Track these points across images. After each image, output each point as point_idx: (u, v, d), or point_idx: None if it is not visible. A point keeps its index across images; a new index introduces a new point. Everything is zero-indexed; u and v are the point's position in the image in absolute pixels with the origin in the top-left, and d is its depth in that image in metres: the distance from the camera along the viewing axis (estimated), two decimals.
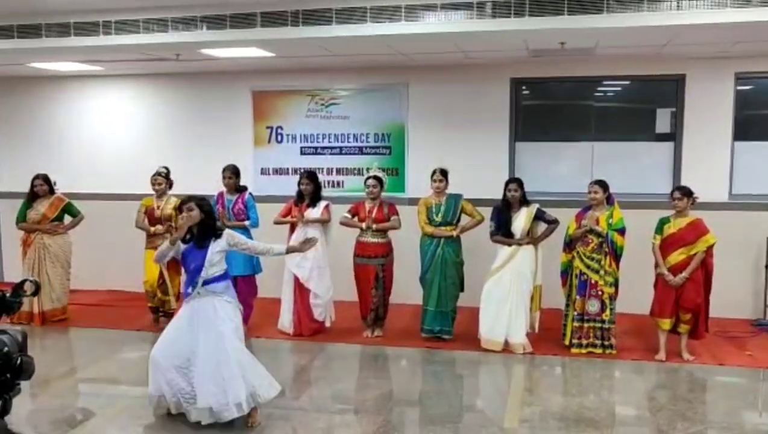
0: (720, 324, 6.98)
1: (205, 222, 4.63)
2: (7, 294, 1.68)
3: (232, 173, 7.04)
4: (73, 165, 8.94)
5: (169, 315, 7.27)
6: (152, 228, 7.21)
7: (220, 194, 7.11)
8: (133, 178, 8.44)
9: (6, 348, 1.44)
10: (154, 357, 4.69)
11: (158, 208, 7.27)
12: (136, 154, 8.85)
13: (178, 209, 5.05)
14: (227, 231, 4.81)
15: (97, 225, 8.28)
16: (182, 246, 4.68)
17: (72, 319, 7.65)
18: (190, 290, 4.70)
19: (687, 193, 6.09)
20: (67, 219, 7.67)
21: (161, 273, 7.26)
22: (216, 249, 4.66)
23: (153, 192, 7.33)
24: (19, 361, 1.46)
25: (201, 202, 4.68)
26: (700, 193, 6.21)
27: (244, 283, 7.03)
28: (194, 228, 4.65)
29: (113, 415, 5.14)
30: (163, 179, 7.25)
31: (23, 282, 1.74)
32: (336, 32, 5.92)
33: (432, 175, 6.67)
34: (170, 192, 7.33)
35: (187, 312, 4.70)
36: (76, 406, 5.48)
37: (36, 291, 1.74)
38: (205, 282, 4.65)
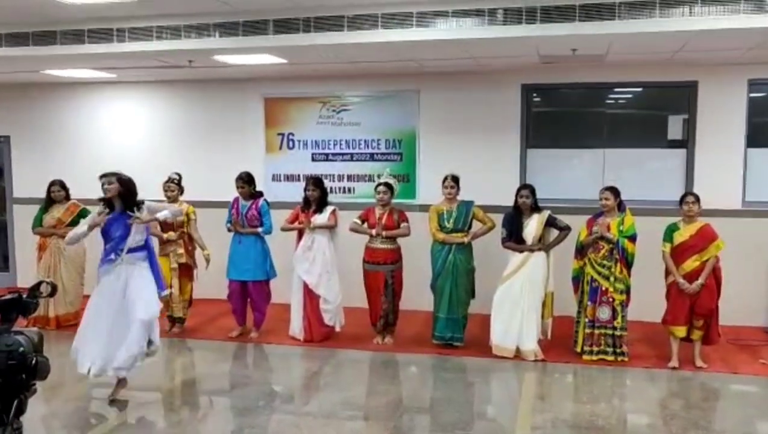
0: (733, 331, 6.92)
1: (124, 194, 5.18)
2: (24, 296, 1.70)
3: (244, 182, 7.07)
4: (88, 171, 8.91)
5: (177, 320, 7.31)
6: (165, 235, 7.14)
7: (235, 199, 7.15)
8: (146, 183, 8.35)
9: (22, 348, 1.46)
10: (84, 332, 5.25)
11: None
12: (148, 160, 8.89)
13: (102, 178, 5.32)
14: (146, 203, 5.33)
15: None
16: (105, 219, 5.22)
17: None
18: (113, 256, 5.19)
19: (698, 198, 6.07)
20: None
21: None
22: (143, 214, 5.24)
23: (165, 198, 7.36)
24: (34, 361, 1.48)
25: (119, 175, 5.24)
26: (712, 200, 6.19)
27: (256, 289, 7.07)
28: (115, 201, 5.21)
29: (125, 420, 5.16)
30: (175, 186, 7.22)
31: (39, 283, 1.76)
32: (348, 39, 5.94)
33: (443, 182, 6.67)
34: (182, 198, 7.33)
35: (110, 280, 5.19)
36: (90, 411, 5.50)
37: (52, 293, 1.76)
38: (129, 250, 5.20)
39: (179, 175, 7.35)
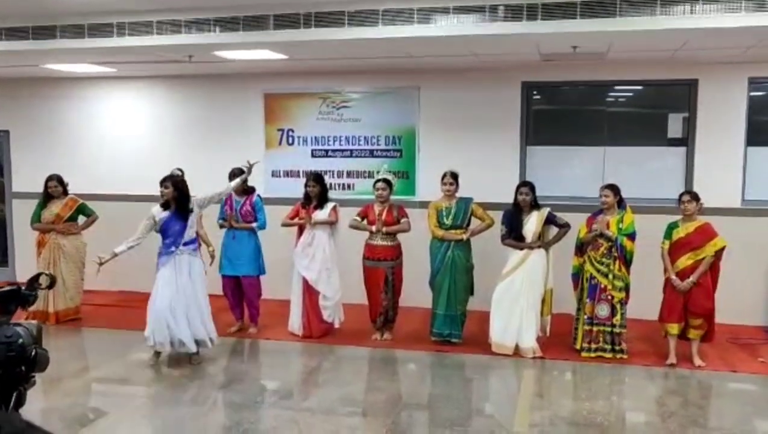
0: (732, 330, 6.93)
1: (179, 197, 5.99)
2: (23, 288, 1.70)
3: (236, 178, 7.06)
4: (86, 166, 9.00)
5: None
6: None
7: (229, 195, 7.14)
8: (146, 178, 8.43)
9: (21, 340, 1.46)
10: (154, 307, 5.98)
11: None
12: (148, 155, 8.89)
13: (161, 184, 6.10)
14: (193, 199, 6.10)
15: (110, 226, 8.30)
16: (163, 217, 6.00)
17: (85, 319, 7.70)
18: (173, 249, 6.00)
19: (695, 196, 6.07)
20: (81, 219, 7.73)
21: None
22: (193, 216, 6.10)
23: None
24: (34, 353, 1.48)
25: (174, 179, 6.03)
26: (712, 199, 6.19)
27: (248, 284, 7.08)
28: (171, 202, 6.00)
29: (124, 415, 5.16)
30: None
31: (38, 275, 1.76)
32: (348, 35, 5.92)
33: (442, 178, 6.67)
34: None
35: (170, 268, 6.00)
36: (88, 405, 5.51)
37: (51, 285, 1.76)
38: (185, 243, 6.03)
39: (182, 171, 7.23)
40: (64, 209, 7.60)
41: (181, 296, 5.99)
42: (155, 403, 5.45)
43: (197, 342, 6.10)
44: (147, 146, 9.00)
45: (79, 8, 6.22)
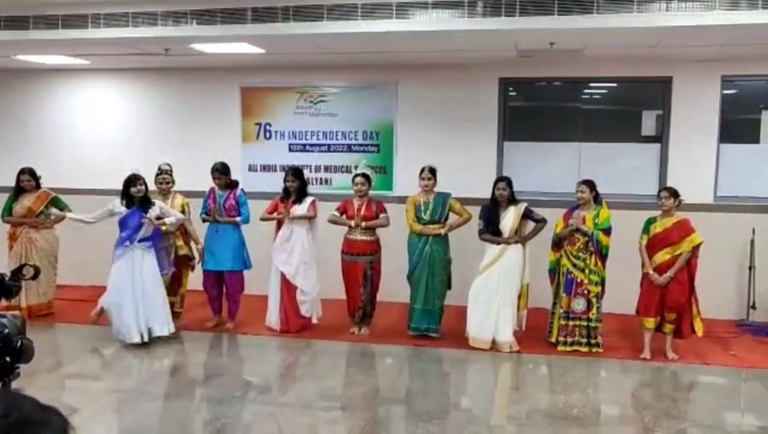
0: (705, 324, 7.02)
1: (144, 195, 6.44)
2: (7, 278, 1.67)
3: (220, 173, 7.02)
4: (59, 159, 8.86)
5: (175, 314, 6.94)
6: (164, 227, 6.75)
7: (212, 189, 7.09)
8: (120, 173, 8.28)
9: (7, 331, 1.44)
10: (112, 302, 6.35)
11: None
12: (122, 148, 8.78)
13: (128, 184, 6.43)
14: (158, 202, 6.55)
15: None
16: (124, 211, 6.39)
17: (58, 314, 7.59)
18: (127, 243, 6.37)
19: (673, 193, 6.16)
20: (54, 213, 7.60)
21: (174, 276, 6.99)
22: (152, 214, 6.42)
23: (158, 191, 6.99)
24: (19, 344, 1.46)
25: (143, 179, 6.46)
26: (685, 195, 6.27)
27: (231, 278, 7.04)
28: (136, 199, 6.39)
29: (97, 411, 5.11)
30: (170, 176, 7.01)
31: (22, 266, 1.74)
32: (327, 29, 5.90)
33: (421, 173, 6.68)
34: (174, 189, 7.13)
35: (124, 261, 6.38)
36: (61, 402, 5.43)
37: (35, 275, 1.74)
38: (141, 239, 6.38)
39: (170, 166, 7.08)
40: (37, 203, 7.47)
41: (133, 288, 6.32)
42: (130, 399, 5.39)
43: (150, 333, 6.40)
44: (121, 140, 8.88)
45: None
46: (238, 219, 6.97)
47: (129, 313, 6.32)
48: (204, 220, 7.09)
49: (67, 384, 5.87)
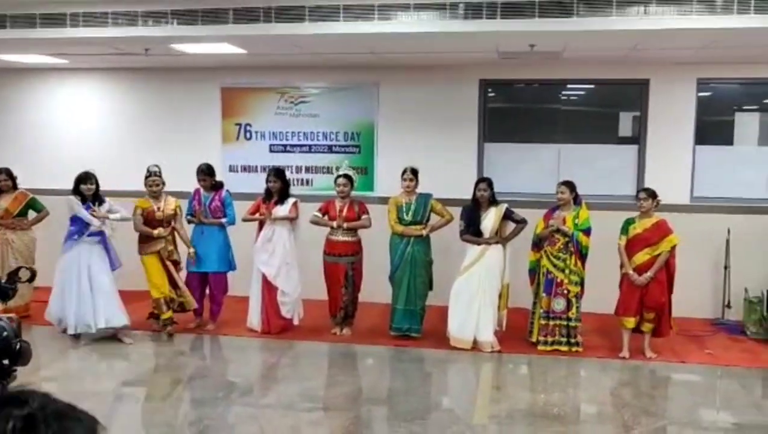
0: (681, 323, 7.12)
1: (96, 192, 6.58)
2: (3, 281, 1.67)
3: (206, 175, 7.00)
4: (37, 160, 8.75)
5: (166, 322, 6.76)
6: (155, 232, 6.66)
7: (196, 191, 7.06)
8: (100, 174, 8.24)
9: (6, 333, 1.43)
10: (61, 293, 6.50)
11: (158, 209, 6.73)
12: (101, 149, 8.69)
13: (79, 181, 6.56)
14: (109, 200, 6.67)
15: (61, 221, 8.09)
16: (77, 208, 6.45)
17: (34, 316, 7.48)
18: (76, 237, 6.49)
19: (651, 194, 6.24)
20: (32, 214, 7.52)
21: (169, 275, 6.78)
22: (102, 211, 6.55)
23: (147, 193, 6.80)
24: (18, 346, 1.45)
25: (94, 176, 6.60)
26: (663, 196, 6.36)
27: (215, 280, 7.03)
28: (88, 197, 6.50)
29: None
30: (160, 178, 6.75)
31: (18, 268, 1.73)
32: (309, 30, 5.90)
33: (402, 174, 6.71)
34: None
35: (72, 254, 6.52)
36: None
37: (32, 278, 1.73)
38: (90, 234, 6.51)
39: (159, 167, 6.85)
40: (14, 203, 7.39)
41: (79, 281, 6.48)
42: (111, 401, 5.35)
43: (95, 326, 6.51)
44: (100, 140, 8.79)
45: None
46: (223, 220, 6.95)
47: (70, 305, 6.45)
48: (189, 222, 7.06)
49: (46, 386, 5.73)
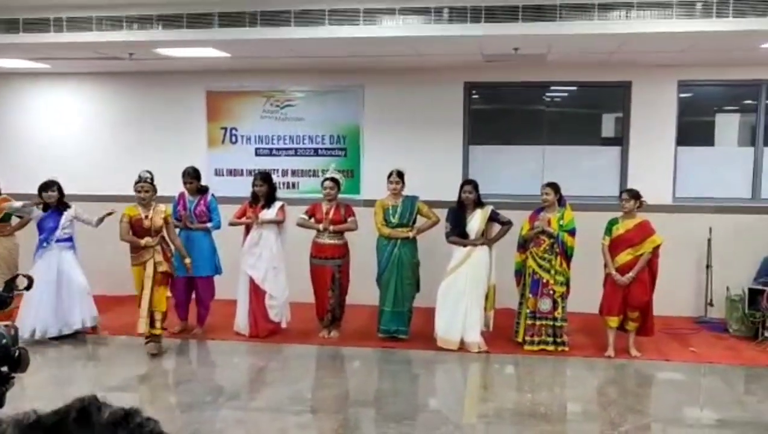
0: (665, 321, 7.22)
1: (60, 199, 6.78)
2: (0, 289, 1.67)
3: (192, 177, 6.98)
4: (20, 165, 8.67)
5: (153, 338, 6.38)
6: (143, 241, 6.23)
7: (181, 195, 7.04)
8: (84, 179, 8.25)
9: (5, 340, 1.44)
10: (37, 300, 6.47)
11: (147, 217, 6.28)
12: (86, 154, 8.65)
13: (41, 189, 6.76)
14: (75, 205, 6.85)
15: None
16: (41, 214, 6.76)
17: (17, 323, 7.43)
18: (45, 244, 6.71)
19: (634, 195, 6.32)
20: (14, 220, 7.46)
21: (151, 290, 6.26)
22: (68, 217, 6.78)
23: (136, 200, 6.37)
24: (18, 353, 1.46)
25: (57, 184, 6.79)
26: (645, 196, 6.44)
27: (203, 284, 7.00)
28: (52, 203, 6.74)
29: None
30: (150, 185, 6.29)
31: (15, 276, 1.74)
32: (295, 34, 5.93)
33: (389, 177, 6.74)
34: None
35: (44, 261, 6.69)
36: (22, 409, 5.33)
37: (29, 286, 1.74)
38: (58, 240, 6.70)
39: (151, 174, 6.41)
40: None
41: (55, 284, 6.65)
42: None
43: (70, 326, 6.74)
44: (84, 145, 8.75)
45: (14, 2, 6.02)
46: (209, 225, 6.93)
47: (47, 308, 6.59)
48: (174, 227, 7.02)
49: (30, 394, 5.75)
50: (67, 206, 6.82)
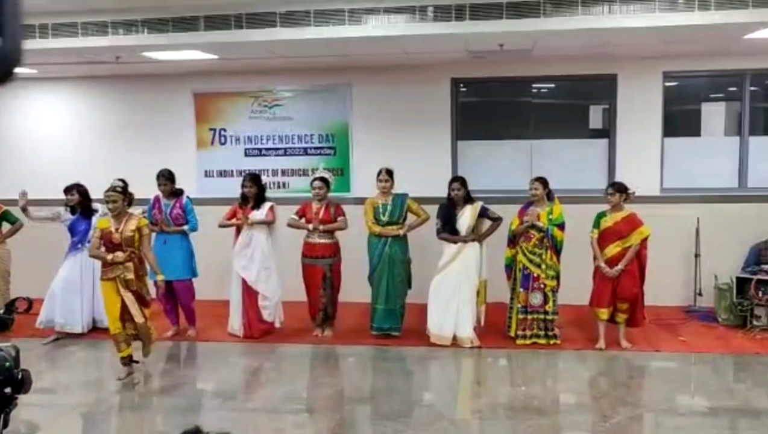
0: (654, 312, 7.30)
1: (84, 202, 7.00)
2: (1, 311, 1.70)
3: (166, 179, 6.94)
4: (8, 171, 8.66)
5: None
6: (109, 257, 5.61)
7: (156, 198, 7.01)
8: (72, 182, 8.21)
9: (8, 363, 1.47)
10: (58, 287, 6.98)
11: (116, 230, 5.63)
12: (74, 159, 8.62)
13: (66, 191, 7.01)
14: (101, 208, 6.69)
15: (35, 232, 8.01)
16: (70, 218, 7.06)
17: (11, 329, 7.42)
18: (79, 246, 6.97)
19: (619, 188, 6.37)
20: (5, 227, 7.44)
21: (123, 304, 5.68)
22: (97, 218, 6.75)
23: (107, 211, 5.82)
24: (20, 376, 1.49)
25: (79, 187, 7.02)
26: (633, 187, 6.49)
27: (180, 287, 6.94)
28: (77, 207, 7.01)
29: (56, 427, 5.05)
30: (118, 195, 5.63)
31: (16, 299, 1.76)
32: (280, 35, 5.95)
33: (378, 175, 6.78)
34: (131, 209, 6.00)
35: (76, 260, 7.02)
36: (20, 418, 5.34)
37: (29, 308, 1.76)
38: (89, 241, 6.55)
39: (124, 182, 5.82)
40: None
41: (82, 281, 6.98)
42: (96, 412, 5.35)
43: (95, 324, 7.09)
44: (72, 149, 8.73)
45: None
46: (185, 227, 6.91)
47: (75, 301, 6.94)
48: (151, 231, 6.99)
49: (25, 400, 5.75)
50: (94, 210, 7.03)
